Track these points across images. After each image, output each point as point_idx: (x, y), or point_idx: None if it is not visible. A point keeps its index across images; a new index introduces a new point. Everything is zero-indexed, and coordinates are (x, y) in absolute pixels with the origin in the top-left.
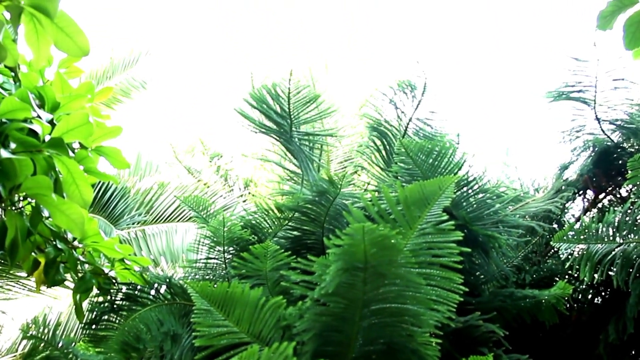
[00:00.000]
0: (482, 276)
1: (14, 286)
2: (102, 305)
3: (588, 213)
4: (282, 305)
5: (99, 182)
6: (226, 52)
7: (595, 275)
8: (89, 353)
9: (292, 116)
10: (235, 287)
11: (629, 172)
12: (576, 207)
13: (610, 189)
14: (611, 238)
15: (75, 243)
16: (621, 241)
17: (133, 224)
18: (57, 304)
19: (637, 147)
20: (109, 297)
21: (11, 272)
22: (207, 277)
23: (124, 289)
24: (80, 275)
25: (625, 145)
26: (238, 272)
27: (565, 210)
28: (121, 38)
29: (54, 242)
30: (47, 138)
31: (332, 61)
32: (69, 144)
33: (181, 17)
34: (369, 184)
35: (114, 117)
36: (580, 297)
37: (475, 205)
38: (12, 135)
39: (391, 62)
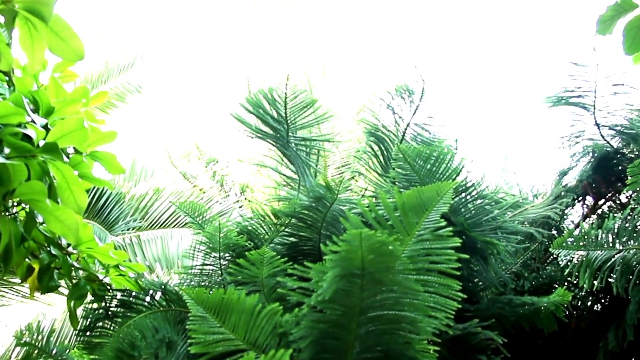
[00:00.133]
0: (480, 283)
1: (7, 292)
2: (96, 311)
3: (587, 219)
4: (278, 312)
5: (94, 187)
6: (222, 53)
7: (595, 282)
8: None
9: (288, 121)
10: (231, 293)
11: (629, 178)
12: (575, 213)
13: (609, 195)
14: (611, 244)
15: (70, 249)
16: (621, 248)
17: (128, 229)
18: (51, 311)
19: (637, 153)
20: (103, 304)
21: (5, 278)
22: (202, 283)
23: (119, 295)
24: (74, 281)
25: (625, 151)
26: (234, 279)
27: (565, 217)
28: (116, 40)
29: (48, 248)
30: (42, 143)
31: (330, 63)
32: (63, 149)
33: (177, 18)
34: (366, 189)
35: (109, 121)
36: (579, 304)
37: (473, 212)
38: (6, 140)
39: (389, 64)
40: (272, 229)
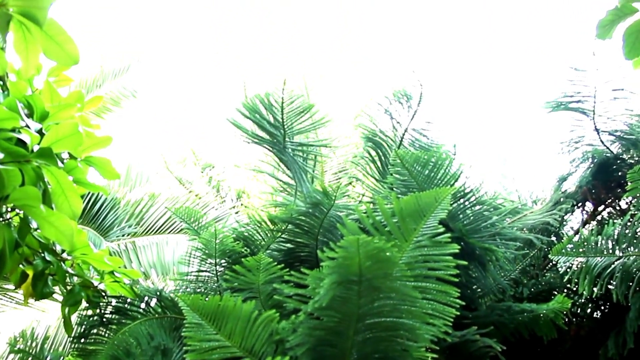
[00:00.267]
0: (479, 290)
1: (1, 299)
2: (91, 318)
3: (587, 225)
4: (275, 319)
5: (89, 193)
6: (218, 54)
7: (595, 289)
8: None
9: (285, 126)
10: (227, 300)
11: (629, 183)
12: (575, 219)
13: (609, 201)
14: (610, 251)
15: (64, 255)
16: (621, 254)
17: (123, 235)
18: (45, 317)
19: (636, 159)
20: (98, 311)
21: None
22: (198, 290)
23: (114, 302)
24: (69, 288)
25: (624, 156)
26: (230, 285)
27: (564, 223)
28: (111, 42)
29: (43, 254)
30: (36, 148)
31: (326, 64)
32: (58, 154)
33: (172, 18)
34: (363, 195)
35: (104, 126)
36: (579, 311)
37: (472, 218)
38: (0, 145)
39: (386, 65)
40: (269, 235)
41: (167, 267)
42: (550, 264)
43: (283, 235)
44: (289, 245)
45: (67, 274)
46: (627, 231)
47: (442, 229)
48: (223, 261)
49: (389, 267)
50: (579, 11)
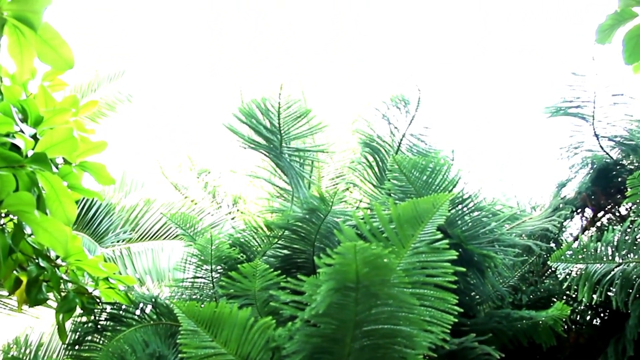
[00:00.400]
0: (477, 296)
1: None
2: (85, 325)
3: (586, 232)
4: (271, 326)
5: (83, 198)
6: (213, 57)
7: (594, 296)
8: None
9: (282, 131)
10: (223, 307)
11: (629, 189)
12: (574, 225)
13: (609, 207)
14: (610, 258)
15: (59, 261)
16: (620, 261)
17: (118, 241)
18: (39, 324)
19: (636, 164)
20: (92, 317)
21: None
22: (194, 296)
23: (109, 308)
24: (63, 294)
25: (624, 162)
26: (226, 292)
27: (563, 229)
28: (106, 45)
29: (37, 260)
30: (30, 153)
31: (322, 67)
32: (52, 159)
33: (167, 20)
34: (361, 201)
35: (99, 131)
36: (578, 319)
37: (470, 224)
38: None
39: (383, 68)
40: (265, 241)
41: (163, 273)
42: (550, 270)
43: (280, 242)
44: (285, 251)
45: (61, 280)
46: (626, 238)
47: (440, 235)
48: (219, 267)
49: (387, 274)
50: (578, 16)
